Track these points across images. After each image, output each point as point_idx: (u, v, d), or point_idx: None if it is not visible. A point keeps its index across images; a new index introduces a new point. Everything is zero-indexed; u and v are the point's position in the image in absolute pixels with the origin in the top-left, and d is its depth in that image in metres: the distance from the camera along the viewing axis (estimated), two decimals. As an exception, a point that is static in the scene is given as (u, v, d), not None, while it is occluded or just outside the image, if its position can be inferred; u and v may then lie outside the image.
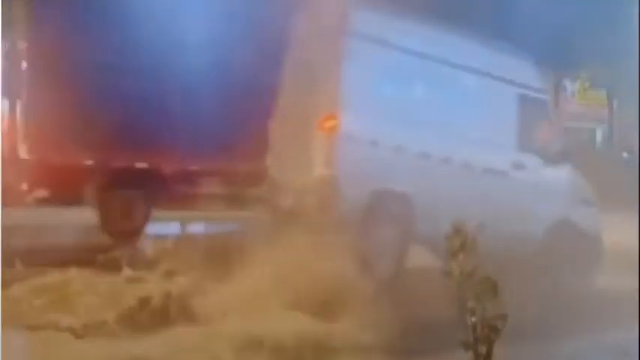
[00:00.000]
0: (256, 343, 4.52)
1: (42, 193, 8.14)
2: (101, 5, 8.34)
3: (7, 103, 8.42)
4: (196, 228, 9.74)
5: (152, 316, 4.98)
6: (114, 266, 6.26)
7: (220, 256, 6.13)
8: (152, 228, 8.73)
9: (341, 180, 6.73)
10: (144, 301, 5.12)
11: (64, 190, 8.18)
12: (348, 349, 4.63)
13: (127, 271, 6.05)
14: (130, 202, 8.51)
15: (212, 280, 5.64)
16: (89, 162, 8.39)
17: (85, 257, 6.56)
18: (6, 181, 7.82)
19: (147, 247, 7.40)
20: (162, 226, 9.12)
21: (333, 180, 6.74)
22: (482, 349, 3.51)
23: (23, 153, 8.21)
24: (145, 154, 8.54)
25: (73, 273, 5.81)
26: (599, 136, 33.39)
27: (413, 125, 7.16)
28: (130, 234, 8.35)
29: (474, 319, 3.50)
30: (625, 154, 23.64)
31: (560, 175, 8.11)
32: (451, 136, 7.37)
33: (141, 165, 8.62)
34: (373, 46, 7.06)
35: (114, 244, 7.56)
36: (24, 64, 8.29)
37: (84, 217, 8.56)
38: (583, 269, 7.83)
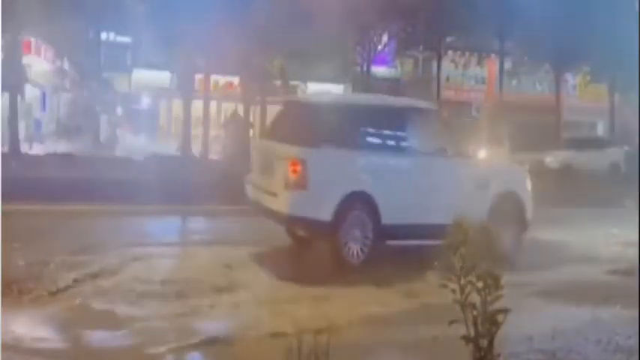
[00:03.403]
0: None
1: None
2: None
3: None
4: None
5: None
6: None
7: None
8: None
9: None
10: None
11: None
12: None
13: None
14: None
15: None
16: None
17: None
18: None
19: None
20: None
21: None
22: (484, 342, 3.53)
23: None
24: None
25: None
26: (600, 129, 33.39)
27: None
28: None
29: (475, 312, 3.51)
30: (625, 148, 23.61)
31: None
32: None
33: None
34: None
35: None
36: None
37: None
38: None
